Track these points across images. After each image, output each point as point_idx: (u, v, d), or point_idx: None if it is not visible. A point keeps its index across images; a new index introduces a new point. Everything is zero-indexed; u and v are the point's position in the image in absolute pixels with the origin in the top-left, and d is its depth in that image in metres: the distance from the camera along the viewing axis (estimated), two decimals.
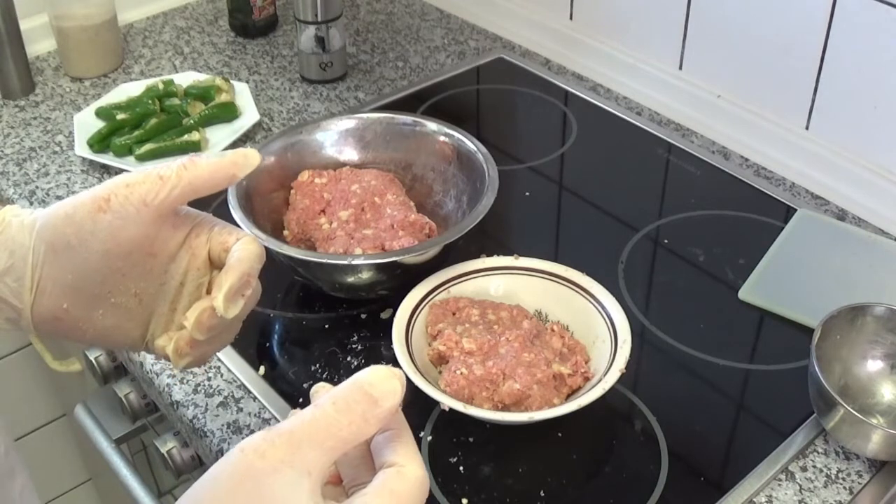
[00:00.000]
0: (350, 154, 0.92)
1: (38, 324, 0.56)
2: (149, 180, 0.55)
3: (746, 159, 1.05)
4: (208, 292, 0.59)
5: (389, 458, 0.44)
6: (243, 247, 0.57)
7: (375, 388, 0.43)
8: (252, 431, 0.74)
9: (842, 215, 0.96)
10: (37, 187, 1.01)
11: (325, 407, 0.42)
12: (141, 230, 0.55)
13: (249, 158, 0.57)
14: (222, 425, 0.75)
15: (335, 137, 0.92)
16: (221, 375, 0.79)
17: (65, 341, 1.23)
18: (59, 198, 0.99)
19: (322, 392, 0.44)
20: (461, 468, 0.71)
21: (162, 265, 0.57)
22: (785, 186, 1.01)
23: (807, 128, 1.00)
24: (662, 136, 1.08)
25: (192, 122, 1.06)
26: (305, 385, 0.77)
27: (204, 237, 0.58)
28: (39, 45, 1.24)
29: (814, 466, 0.72)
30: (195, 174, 0.55)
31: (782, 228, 0.93)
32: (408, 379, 0.69)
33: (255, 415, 0.75)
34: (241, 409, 0.76)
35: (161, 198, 0.55)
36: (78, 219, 0.54)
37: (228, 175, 0.56)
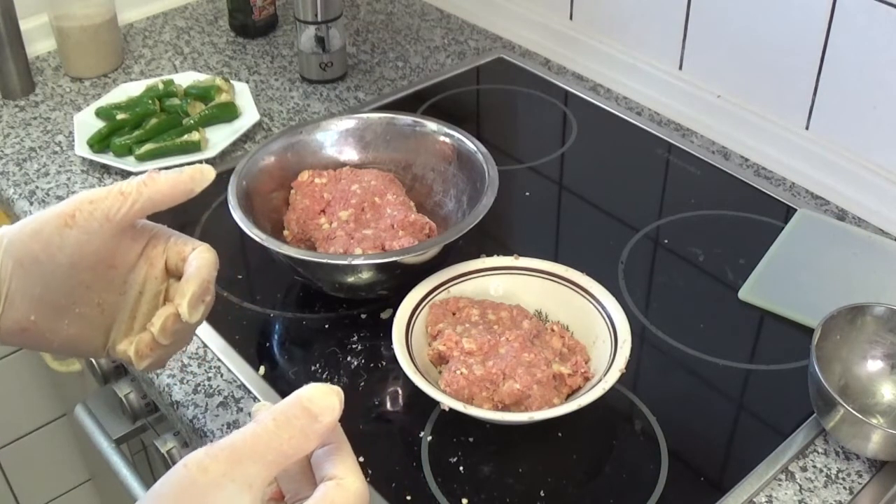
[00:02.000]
0: (350, 154, 0.93)
1: (6, 335, 0.59)
2: (111, 196, 0.57)
3: (746, 159, 1.05)
4: (166, 300, 0.62)
5: (329, 471, 0.46)
6: (200, 255, 0.61)
7: (315, 403, 0.45)
8: None
9: (842, 215, 0.96)
10: (37, 187, 1.01)
11: (266, 422, 0.44)
12: (104, 244, 0.58)
13: (206, 174, 0.60)
14: (222, 425, 0.75)
15: (335, 137, 0.92)
16: (221, 375, 0.79)
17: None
18: (59, 198, 0.99)
19: (263, 410, 0.46)
20: (461, 468, 0.71)
21: (122, 276, 0.61)
22: (785, 186, 1.01)
23: (807, 128, 1.00)
24: (662, 136, 1.08)
25: (192, 122, 1.06)
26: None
27: (161, 248, 0.62)
28: (39, 45, 1.24)
29: (814, 466, 0.72)
30: (155, 189, 0.58)
31: (782, 228, 0.93)
32: (408, 379, 0.70)
33: None
34: (241, 410, 0.76)
35: (123, 213, 0.58)
36: (45, 235, 0.57)
37: (186, 190, 0.60)
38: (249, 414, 0.70)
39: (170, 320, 0.59)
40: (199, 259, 0.60)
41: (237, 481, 0.42)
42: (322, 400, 0.45)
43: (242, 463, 0.42)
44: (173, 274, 0.62)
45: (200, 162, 1.02)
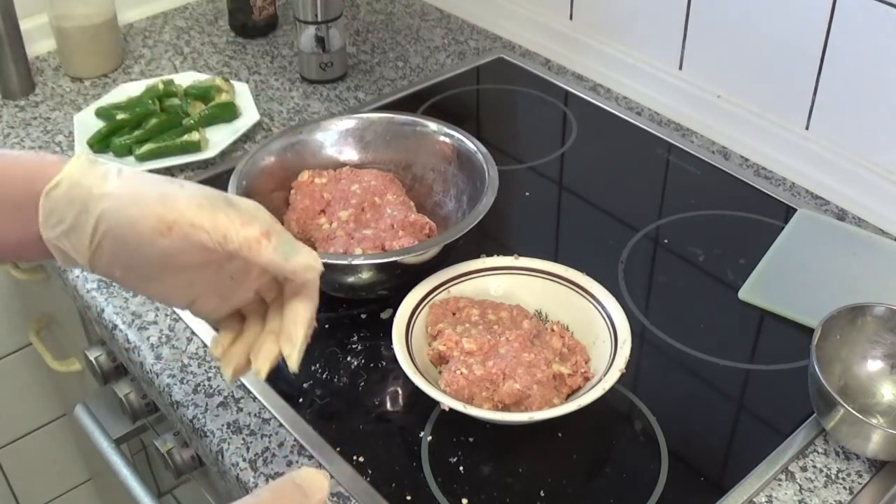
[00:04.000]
0: (350, 154, 0.93)
1: (96, 273, 0.59)
2: (214, 232, 0.56)
3: (746, 159, 1.05)
4: (263, 297, 0.64)
5: None
6: (308, 292, 0.61)
7: (305, 482, 0.49)
8: (252, 432, 0.74)
9: (842, 215, 0.96)
10: None
11: (262, 495, 0.48)
12: (196, 258, 0.58)
13: (313, 271, 0.60)
14: (222, 425, 0.75)
15: (335, 137, 0.92)
16: (221, 375, 0.79)
17: (67, 340, 1.23)
18: None
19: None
20: (461, 468, 0.71)
21: (217, 265, 0.60)
22: (785, 186, 1.01)
23: (807, 128, 1.00)
24: (662, 136, 1.08)
25: (192, 122, 1.06)
26: (305, 385, 0.77)
27: None
28: (39, 45, 1.24)
29: (814, 466, 0.72)
30: (254, 256, 0.57)
31: (782, 228, 0.93)
32: (408, 379, 0.70)
33: (255, 415, 0.75)
34: (241, 409, 0.76)
35: (217, 250, 0.57)
36: (139, 228, 0.56)
37: (286, 274, 0.59)
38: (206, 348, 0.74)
39: (275, 362, 0.61)
40: (304, 300, 0.61)
41: None
42: (312, 480, 0.50)
43: None
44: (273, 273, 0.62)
45: (203, 162, 1.03)
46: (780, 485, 0.70)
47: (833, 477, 0.71)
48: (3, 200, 0.58)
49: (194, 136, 1.03)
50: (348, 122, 0.93)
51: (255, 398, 0.77)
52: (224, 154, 1.04)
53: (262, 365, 0.61)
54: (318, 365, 0.79)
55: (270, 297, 0.64)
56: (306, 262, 0.59)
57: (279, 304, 0.63)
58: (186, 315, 0.84)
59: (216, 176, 1.01)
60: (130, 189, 0.57)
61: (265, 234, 0.57)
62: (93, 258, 0.58)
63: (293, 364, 0.60)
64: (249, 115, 1.09)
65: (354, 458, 0.71)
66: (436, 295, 0.79)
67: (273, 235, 0.58)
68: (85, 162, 0.58)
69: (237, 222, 0.57)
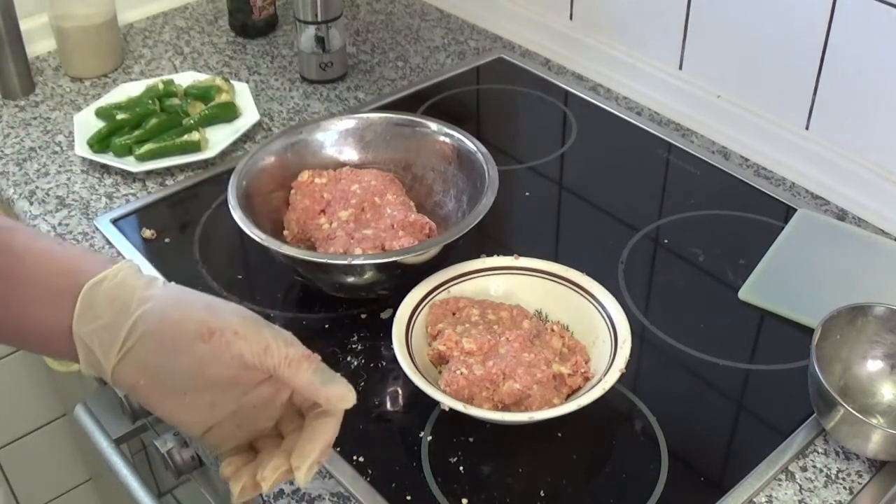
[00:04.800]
0: (350, 154, 0.92)
1: (115, 382, 0.57)
2: (256, 343, 0.56)
3: (746, 159, 1.05)
4: (280, 431, 0.61)
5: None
6: (330, 415, 0.58)
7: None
8: None
9: (842, 215, 0.96)
10: (37, 187, 1.01)
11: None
12: (229, 372, 0.56)
13: (347, 400, 0.58)
14: None
15: (335, 137, 0.92)
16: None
17: None
18: (58, 198, 0.99)
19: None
20: (461, 468, 0.71)
21: (243, 390, 0.58)
22: (785, 186, 1.01)
23: (807, 128, 1.00)
24: (662, 136, 1.08)
25: (192, 122, 1.06)
26: None
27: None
28: (39, 45, 1.24)
29: (814, 466, 0.72)
30: (291, 377, 0.56)
31: (782, 228, 0.93)
32: (408, 379, 0.70)
33: None
34: None
35: (256, 364, 0.56)
36: (180, 331, 0.55)
37: (320, 399, 0.57)
38: None
39: (282, 476, 0.58)
40: (327, 421, 0.58)
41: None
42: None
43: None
44: (297, 404, 0.61)
45: (203, 162, 1.03)
46: (780, 485, 0.70)
47: (833, 477, 0.71)
48: (45, 287, 0.56)
49: (194, 136, 1.03)
50: (348, 122, 0.93)
51: None
52: (224, 154, 1.04)
53: (269, 475, 0.58)
54: None
55: (289, 431, 0.61)
56: (342, 393, 0.57)
57: (297, 434, 0.60)
58: None
59: (216, 176, 1.01)
60: (175, 295, 0.57)
61: (306, 357, 0.57)
62: (119, 363, 0.56)
63: (300, 479, 0.57)
64: (249, 115, 1.09)
65: (354, 458, 0.71)
66: (436, 295, 0.78)
67: (313, 360, 0.57)
68: (133, 265, 0.58)
69: (280, 340, 0.56)
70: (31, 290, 0.56)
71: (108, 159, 1.02)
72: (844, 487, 0.70)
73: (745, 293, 0.85)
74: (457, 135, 0.90)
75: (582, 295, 0.78)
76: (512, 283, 0.80)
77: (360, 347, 0.81)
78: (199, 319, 0.55)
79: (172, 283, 0.59)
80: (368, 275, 0.79)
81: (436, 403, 0.69)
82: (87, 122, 1.07)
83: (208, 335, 0.55)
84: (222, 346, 0.55)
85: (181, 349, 0.55)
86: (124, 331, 0.55)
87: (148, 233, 0.93)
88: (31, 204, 0.99)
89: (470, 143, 0.88)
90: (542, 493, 0.69)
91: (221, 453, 0.61)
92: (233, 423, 0.59)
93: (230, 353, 0.55)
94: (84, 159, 1.05)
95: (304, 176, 0.89)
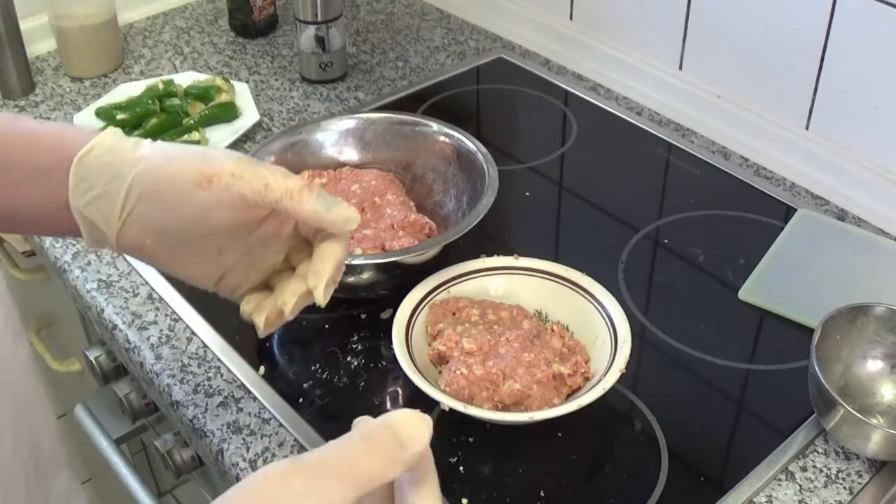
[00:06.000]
0: (350, 154, 0.93)
1: (121, 249, 0.58)
2: (254, 180, 0.56)
3: (746, 159, 1.05)
4: (291, 264, 0.62)
5: (410, 499, 0.44)
6: (337, 233, 0.59)
7: (404, 430, 0.43)
8: (252, 432, 0.74)
9: (842, 215, 0.96)
10: None
11: (355, 442, 0.42)
12: (232, 214, 0.56)
13: (351, 221, 0.58)
14: (222, 425, 0.75)
15: (335, 137, 0.92)
16: (221, 375, 0.79)
17: (67, 340, 1.23)
18: None
19: (362, 424, 0.44)
20: (461, 468, 0.71)
21: (248, 229, 0.59)
22: (785, 186, 1.01)
23: (807, 128, 1.00)
24: (662, 136, 1.08)
25: (192, 122, 1.06)
26: (305, 385, 0.77)
27: None
28: (39, 45, 1.24)
29: (814, 466, 0.72)
30: (295, 206, 0.56)
31: (782, 228, 0.93)
32: (408, 379, 0.70)
33: (255, 415, 0.75)
34: (241, 409, 0.76)
35: (257, 201, 0.56)
36: (177, 184, 0.55)
37: (326, 224, 0.57)
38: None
39: (301, 299, 0.59)
40: (336, 241, 0.59)
41: (317, 498, 0.40)
42: (412, 428, 0.43)
43: (325, 480, 0.41)
44: (303, 234, 0.61)
45: None
46: (780, 485, 0.70)
47: (833, 477, 0.71)
48: (31, 166, 0.56)
49: (194, 136, 1.03)
50: (348, 122, 0.93)
51: (255, 398, 0.77)
52: None
53: (289, 298, 0.59)
54: (318, 365, 0.79)
55: (299, 260, 0.62)
56: (347, 214, 0.58)
57: (308, 261, 0.61)
58: (186, 315, 0.84)
59: None
60: (165, 151, 0.57)
61: (307, 186, 0.57)
62: (122, 228, 0.56)
63: (319, 296, 0.58)
64: (249, 115, 1.09)
65: None
66: (436, 295, 0.79)
67: (313, 188, 0.57)
68: (117, 130, 0.58)
69: (278, 174, 0.56)
70: (18, 171, 0.56)
71: None
72: (844, 487, 0.70)
73: (745, 293, 0.85)
74: (457, 135, 0.90)
75: (582, 295, 0.78)
76: (512, 283, 0.80)
77: (360, 347, 0.81)
78: (195, 169, 0.55)
79: (159, 140, 0.59)
80: (368, 275, 0.79)
81: (436, 403, 0.69)
82: (87, 122, 1.07)
83: (206, 182, 0.55)
84: (222, 189, 0.55)
85: (182, 201, 0.55)
86: (122, 195, 0.56)
87: None
88: None
89: (470, 143, 0.88)
90: (542, 493, 0.69)
91: (238, 296, 0.62)
92: (244, 265, 0.60)
93: (231, 194, 0.55)
94: None
95: (304, 176, 0.89)
